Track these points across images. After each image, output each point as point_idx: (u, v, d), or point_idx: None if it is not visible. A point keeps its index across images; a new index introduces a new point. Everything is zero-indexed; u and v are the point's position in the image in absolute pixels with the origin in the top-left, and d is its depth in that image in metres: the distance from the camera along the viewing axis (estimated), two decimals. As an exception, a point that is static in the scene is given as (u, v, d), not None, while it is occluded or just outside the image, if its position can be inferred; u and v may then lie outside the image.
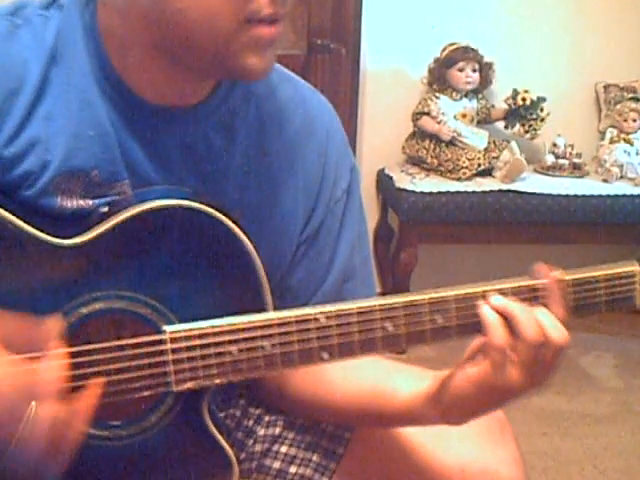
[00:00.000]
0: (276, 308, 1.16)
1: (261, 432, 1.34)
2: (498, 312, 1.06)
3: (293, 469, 1.31)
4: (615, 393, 3.22)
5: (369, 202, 3.73)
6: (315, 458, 1.30)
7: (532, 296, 1.08)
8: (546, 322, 1.05)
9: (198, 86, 1.13)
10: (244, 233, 1.05)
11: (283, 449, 1.32)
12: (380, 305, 1.06)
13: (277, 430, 1.33)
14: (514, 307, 1.05)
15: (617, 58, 3.81)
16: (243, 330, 1.04)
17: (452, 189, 3.35)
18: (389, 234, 3.75)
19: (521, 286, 1.08)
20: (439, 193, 3.33)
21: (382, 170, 3.67)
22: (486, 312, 1.06)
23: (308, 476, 1.30)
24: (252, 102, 1.19)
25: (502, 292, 1.08)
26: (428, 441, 1.28)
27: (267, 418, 1.35)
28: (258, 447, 1.33)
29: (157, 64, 1.07)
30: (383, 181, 3.64)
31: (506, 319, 1.05)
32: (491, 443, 1.28)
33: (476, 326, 1.07)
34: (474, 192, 3.34)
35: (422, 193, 3.33)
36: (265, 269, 1.10)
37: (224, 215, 1.05)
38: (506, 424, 1.33)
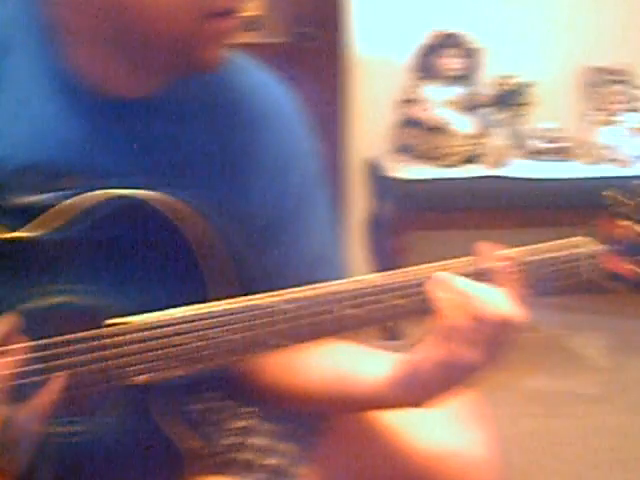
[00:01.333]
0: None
1: (230, 425, 1.31)
2: (444, 291, 1.06)
3: (265, 461, 1.29)
4: (605, 373, 3.23)
5: (360, 191, 3.74)
6: (287, 448, 1.29)
7: (477, 275, 1.09)
8: (489, 299, 1.05)
9: (154, 78, 1.13)
10: (187, 225, 1.05)
11: (254, 441, 1.30)
12: (336, 288, 1.07)
13: (247, 422, 1.31)
14: (460, 286, 1.06)
15: (603, 41, 3.79)
16: (187, 321, 1.03)
17: (441, 176, 3.37)
18: (381, 222, 3.76)
19: (464, 266, 1.10)
20: (428, 180, 3.35)
21: (371, 159, 3.68)
22: (432, 291, 1.07)
23: (281, 466, 1.28)
24: (210, 90, 1.18)
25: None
26: (404, 426, 1.28)
27: (236, 410, 1.33)
28: (228, 440, 1.30)
29: (113, 59, 1.07)
30: (373, 170, 3.65)
31: (452, 298, 1.06)
32: (467, 426, 1.29)
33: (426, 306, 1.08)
34: (463, 178, 3.36)
35: (411, 181, 3.35)
36: (230, 254, 1.10)
37: (167, 206, 1.04)
38: (483, 406, 1.34)
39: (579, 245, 1.14)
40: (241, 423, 1.32)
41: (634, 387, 3.11)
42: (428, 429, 1.28)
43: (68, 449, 1.06)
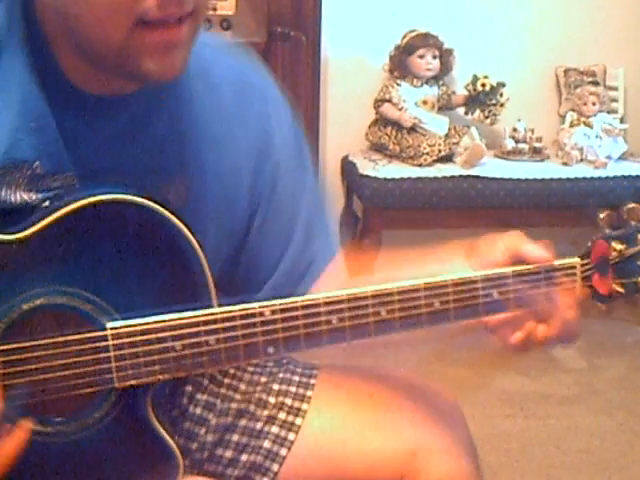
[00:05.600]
0: (248, 275, 1.24)
1: (213, 421, 1.34)
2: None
3: (244, 457, 1.32)
4: (578, 374, 3.25)
5: (334, 188, 3.75)
6: (266, 445, 1.31)
7: None
8: None
9: (128, 80, 1.11)
10: (188, 228, 1.06)
11: (235, 437, 1.33)
12: (325, 299, 1.08)
13: (229, 419, 1.34)
14: None
15: (577, 42, 3.83)
16: (187, 326, 1.04)
17: (414, 175, 3.36)
18: (354, 220, 3.77)
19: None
20: (401, 179, 3.34)
21: (346, 157, 3.69)
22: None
23: (259, 463, 1.31)
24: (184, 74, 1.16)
25: (444, 285, 1.12)
26: (379, 426, 1.31)
27: (219, 406, 1.35)
28: (210, 437, 1.33)
29: (81, 61, 1.07)
30: (347, 168, 3.66)
31: None
32: (442, 427, 1.31)
33: (418, 319, 1.10)
34: (435, 178, 3.36)
35: (384, 179, 3.35)
36: (217, 237, 1.15)
37: (168, 210, 1.05)
38: (457, 407, 1.36)
39: (574, 266, 1.17)
40: (222, 420, 1.35)
41: (607, 388, 3.14)
42: (405, 429, 1.30)
43: (60, 448, 1.07)
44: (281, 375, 1.38)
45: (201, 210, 1.19)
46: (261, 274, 1.27)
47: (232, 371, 1.38)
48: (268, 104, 1.26)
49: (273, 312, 1.06)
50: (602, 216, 1.16)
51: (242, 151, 1.23)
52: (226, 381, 1.37)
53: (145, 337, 1.04)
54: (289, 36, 3.34)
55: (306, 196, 1.30)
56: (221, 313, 1.05)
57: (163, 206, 1.05)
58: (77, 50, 1.05)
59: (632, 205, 1.16)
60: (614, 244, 1.16)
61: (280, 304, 1.07)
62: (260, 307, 1.06)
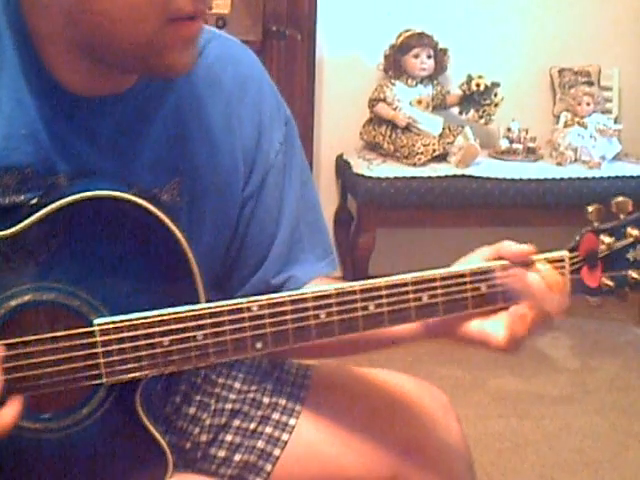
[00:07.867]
0: (233, 269, 1.23)
1: (207, 421, 1.34)
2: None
3: (238, 457, 1.32)
4: (571, 374, 3.25)
5: (329, 187, 3.76)
6: (260, 445, 1.32)
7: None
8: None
9: (125, 78, 1.12)
10: (175, 225, 1.05)
11: (228, 438, 1.33)
12: (313, 293, 1.08)
13: (223, 419, 1.34)
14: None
15: (571, 42, 3.84)
16: (174, 321, 1.04)
17: (408, 174, 3.37)
18: (348, 219, 3.77)
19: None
20: (395, 178, 3.35)
21: (340, 156, 3.69)
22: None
23: (253, 463, 1.31)
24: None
25: (432, 279, 1.11)
26: (372, 427, 1.30)
27: (213, 406, 1.35)
28: (204, 437, 1.33)
29: (80, 61, 1.06)
30: (341, 167, 3.66)
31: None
32: (434, 427, 1.31)
33: (407, 313, 1.10)
34: (429, 177, 3.37)
35: (379, 178, 3.35)
36: (213, 233, 1.15)
37: (156, 206, 1.04)
38: (449, 407, 1.36)
39: (563, 259, 1.16)
40: (216, 420, 1.34)
41: (600, 388, 3.14)
42: (398, 428, 1.30)
43: (49, 444, 1.07)
44: (275, 375, 1.37)
45: (197, 207, 1.19)
46: (244, 271, 1.28)
47: (226, 371, 1.38)
48: (262, 94, 1.26)
49: (261, 307, 1.06)
50: (591, 210, 1.16)
51: (238, 145, 1.23)
52: (220, 381, 1.37)
53: (132, 333, 1.03)
54: (284, 35, 3.34)
55: (294, 188, 1.30)
56: (208, 308, 1.05)
57: (152, 203, 1.04)
58: (78, 49, 1.05)
59: (620, 199, 1.16)
60: (603, 237, 1.15)
61: (268, 299, 1.06)
62: (248, 302, 1.06)
